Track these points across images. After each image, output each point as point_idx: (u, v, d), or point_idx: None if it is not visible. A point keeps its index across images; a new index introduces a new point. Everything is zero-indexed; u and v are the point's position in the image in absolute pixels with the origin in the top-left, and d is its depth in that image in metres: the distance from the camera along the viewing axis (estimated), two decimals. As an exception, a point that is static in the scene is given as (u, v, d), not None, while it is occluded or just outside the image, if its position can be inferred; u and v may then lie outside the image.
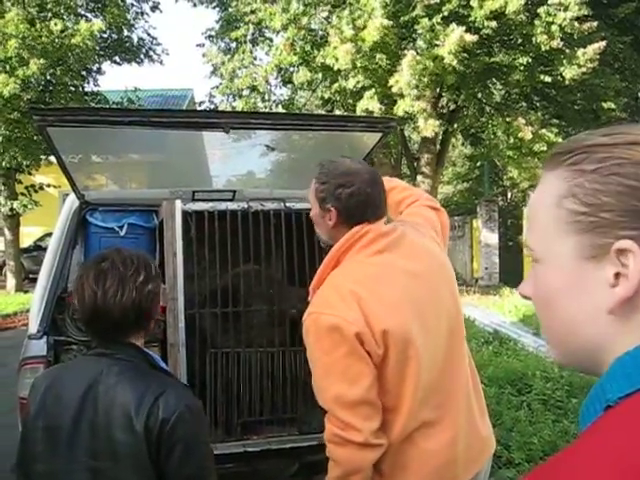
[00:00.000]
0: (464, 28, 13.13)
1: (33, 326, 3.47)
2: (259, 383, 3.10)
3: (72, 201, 3.78)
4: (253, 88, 17.51)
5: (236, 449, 3.03)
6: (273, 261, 3.29)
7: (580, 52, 14.28)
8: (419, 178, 17.49)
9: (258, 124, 3.42)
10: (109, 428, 1.74)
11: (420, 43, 14.27)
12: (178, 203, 2.96)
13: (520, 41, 14.84)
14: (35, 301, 3.57)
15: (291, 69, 17.04)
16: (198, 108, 21.02)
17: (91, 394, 1.78)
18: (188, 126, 3.32)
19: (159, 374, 1.87)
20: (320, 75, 16.05)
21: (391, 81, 13.97)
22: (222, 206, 3.07)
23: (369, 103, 14.36)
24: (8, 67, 15.44)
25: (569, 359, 0.84)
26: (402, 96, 14.11)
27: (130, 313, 1.79)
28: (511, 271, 19.69)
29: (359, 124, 3.47)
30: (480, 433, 2.24)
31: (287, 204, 3.10)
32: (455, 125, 17.66)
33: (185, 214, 2.98)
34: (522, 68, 14.61)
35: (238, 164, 4.60)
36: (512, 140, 15.70)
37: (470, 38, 13.11)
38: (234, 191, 3.71)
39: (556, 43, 13.91)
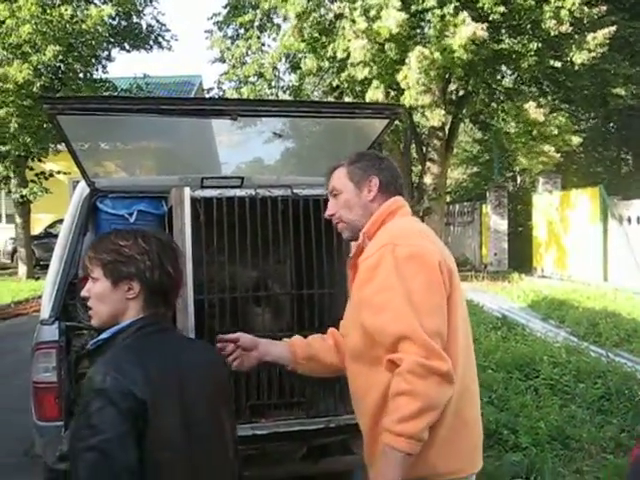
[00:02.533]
0: (475, 23, 13.03)
1: (45, 312, 3.52)
2: (267, 367, 3.14)
3: (82, 188, 3.82)
4: (260, 75, 17.48)
5: (245, 432, 3.07)
6: (281, 247, 3.32)
7: (590, 37, 14.16)
8: (428, 164, 17.47)
9: (266, 111, 3.45)
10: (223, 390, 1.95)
11: (430, 32, 14.19)
12: (187, 190, 3.00)
13: (529, 26, 14.73)
14: (47, 287, 3.62)
15: (299, 55, 16.98)
16: (206, 95, 21.01)
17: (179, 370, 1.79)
18: (197, 114, 3.35)
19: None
20: (327, 63, 15.97)
21: (399, 76, 13.92)
22: (230, 193, 3.10)
23: (375, 93, 14.32)
24: (21, 53, 15.48)
25: None
26: (409, 89, 14.06)
27: (165, 285, 1.86)
28: (520, 257, 19.70)
29: (366, 111, 3.50)
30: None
31: (294, 190, 3.13)
32: (464, 111, 17.60)
33: (194, 201, 3.01)
34: (532, 54, 14.52)
35: (246, 151, 4.63)
36: (522, 125, 15.63)
37: (482, 33, 13.02)
38: (242, 178, 3.75)
39: (565, 28, 13.81)
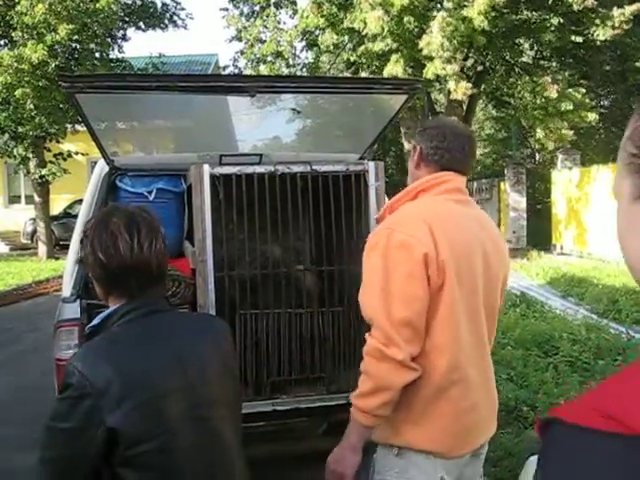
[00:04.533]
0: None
1: (67, 290, 3.55)
2: (288, 344, 3.16)
3: (102, 167, 3.83)
4: (278, 54, 17.37)
5: (265, 408, 3.10)
6: (300, 223, 3.32)
7: (617, 12, 13.81)
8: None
9: (284, 87, 3.44)
10: (215, 373, 1.79)
11: (448, 5, 14.00)
12: (206, 167, 2.99)
13: (551, 1, 14.44)
14: (68, 266, 3.64)
15: (316, 32, 16.84)
16: (223, 73, 20.95)
17: (176, 352, 1.74)
18: (215, 90, 3.35)
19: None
20: (346, 38, 15.83)
21: (421, 43, 13.74)
22: (249, 169, 3.09)
23: (394, 67, 14.17)
24: (36, 33, 15.49)
25: None
26: (431, 59, 13.89)
27: (163, 263, 1.79)
28: (539, 234, 19.55)
29: (385, 86, 3.47)
30: (494, 402, 2.33)
31: (314, 167, 3.12)
32: (482, 87, 17.42)
33: (213, 178, 3.01)
34: (553, 28, 14.26)
35: (264, 128, 4.61)
36: (538, 100, 15.43)
37: None
38: (261, 155, 3.74)
39: (591, 2, 13.50)
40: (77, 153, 18.55)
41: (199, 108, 4.02)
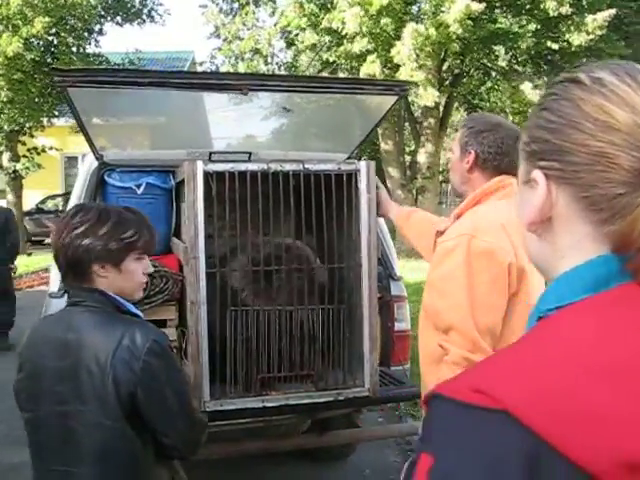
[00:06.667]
0: (471, 1, 12.97)
1: (54, 285, 3.54)
2: (278, 340, 3.17)
3: (90, 162, 3.82)
4: (256, 51, 17.35)
5: (255, 404, 3.11)
6: (292, 222, 3.34)
7: (590, 19, 14.08)
8: (422, 143, 17.45)
9: (276, 86, 3.45)
10: (77, 373, 1.82)
11: (426, 8, 14.12)
12: (200, 164, 3.00)
13: (528, 7, 14.65)
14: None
15: (295, 31, 16.85)
16: (199, 69, 20.84)
17: (63, 343, 1.86)
18: (207, 88, 3.36)
19: (125, 317, 1.93)
20: (326, 38, 15.88)
21: (393, 51, 13.87)
22: (242, 167, 3.10)
23: (370, 67, 14.27)
24: (11, 26, 15.28)
25: (541, 274, 0.91)
26: (404, 64, 14.02)
27: (60, 259, 1.92)
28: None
29: (376, 87, 3.50)
30: None
31: (306, 165, 3.13)
32: (459, 89, 17.57)
33: (206, 174, 3.02)
34: (529, 35, 14.47)
35: (251, 126, 4.62)
36: (516, 105, 15.64)
37: (477, 7, 12.97)
38: (250, 153, 3.75)
39: (565, 9, 13.73)
40: (51, 148, 18.32)
41: (188, 104, 4.02)
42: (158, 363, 1.83)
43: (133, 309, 2.00)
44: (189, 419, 1.92)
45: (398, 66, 14.43)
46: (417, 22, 13.83)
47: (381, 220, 3.95)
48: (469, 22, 13.36)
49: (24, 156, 17.85)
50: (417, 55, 13.67)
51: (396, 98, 3.48)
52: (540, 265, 0.88)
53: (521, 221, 0.87)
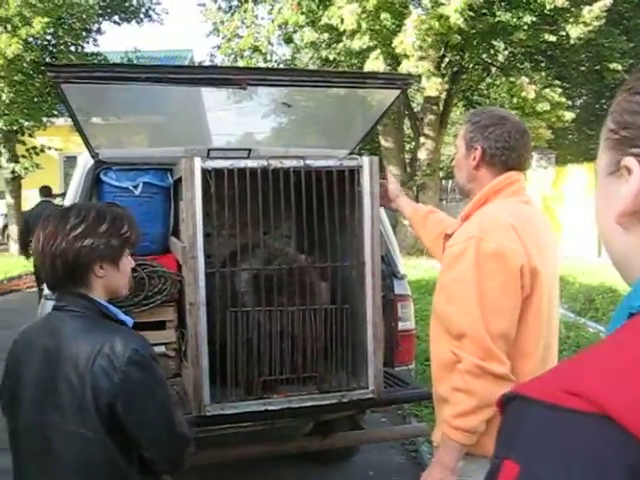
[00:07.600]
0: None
1: (50, 286, 3.45)
2: (279, 342, 3.09)
3: (86, 160, 3.73)
4: (255, 49, 17.26)
5: (257, 407, 3.03)
6: (293, 219, 3.26)
7: (586, 10, 14.07)
8: (422, 139, 17.37)
9: (276, 80, 3.36)
10: (55, 381, 1.76)
11: (425, 2, 14.05)
12: (197, 161, 2.91)
13: (525, 0, 14.59)
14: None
15: (293, 28, 16.77)
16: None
17: (44, 350, 1.81)
18: (206, 82, 3.27)
19: (109, 323, 1.85)
20: (326, 35, 15.81)
21: (395, 42, 13.78)
22: (241, 164, 3.01)
23: (374, 64, 14.19)
24: (10, 27, 15.20)
25: (620, 273, 0.85)
26: (406, 56, 13.93)
27: (58, 263, 1.80)
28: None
29: (378, 80, 3.41)
30: None
31: (307, 162, 3.05)
32: (458, 86, 17.49)
33: (204, 171, 2.93)
34: (526, 27, 14.42)
35: (251, 122, 4.54)
36: (515, 100, 15.56)
37: None
38: (249, 149, 3.67)
39: (561, 1, 13.68)
40: (50, 148, 18.22)
41: (186, 101, 3.94)
42: (138, 374, 1.74)
43: (120, 315, 1.91)
44: (171, 433, 1.81)
45: (399, 61, 14.34)
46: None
47: (384, 217, 3.87)
48: (470, 13, 13.27)
49: (23, 156, 17.75)
50: (420, 45, 13.57)
51: (399, 92, 3.39)
52: (625, 260, 0.81)
53: (604, 216, 0.81)
